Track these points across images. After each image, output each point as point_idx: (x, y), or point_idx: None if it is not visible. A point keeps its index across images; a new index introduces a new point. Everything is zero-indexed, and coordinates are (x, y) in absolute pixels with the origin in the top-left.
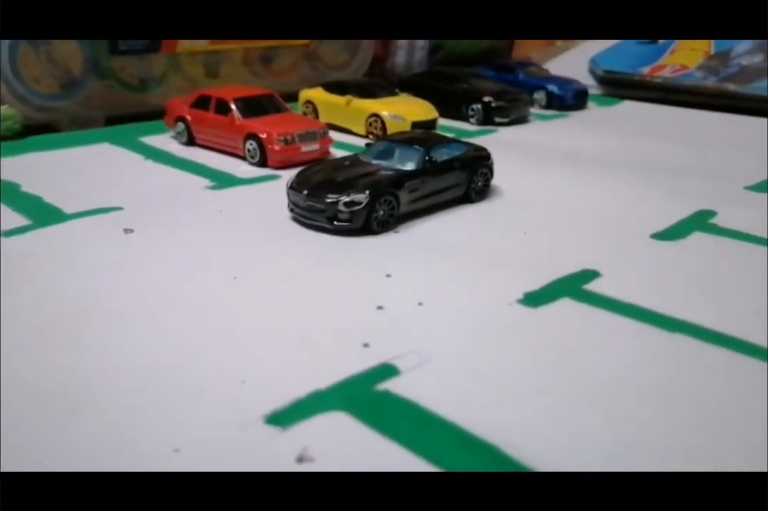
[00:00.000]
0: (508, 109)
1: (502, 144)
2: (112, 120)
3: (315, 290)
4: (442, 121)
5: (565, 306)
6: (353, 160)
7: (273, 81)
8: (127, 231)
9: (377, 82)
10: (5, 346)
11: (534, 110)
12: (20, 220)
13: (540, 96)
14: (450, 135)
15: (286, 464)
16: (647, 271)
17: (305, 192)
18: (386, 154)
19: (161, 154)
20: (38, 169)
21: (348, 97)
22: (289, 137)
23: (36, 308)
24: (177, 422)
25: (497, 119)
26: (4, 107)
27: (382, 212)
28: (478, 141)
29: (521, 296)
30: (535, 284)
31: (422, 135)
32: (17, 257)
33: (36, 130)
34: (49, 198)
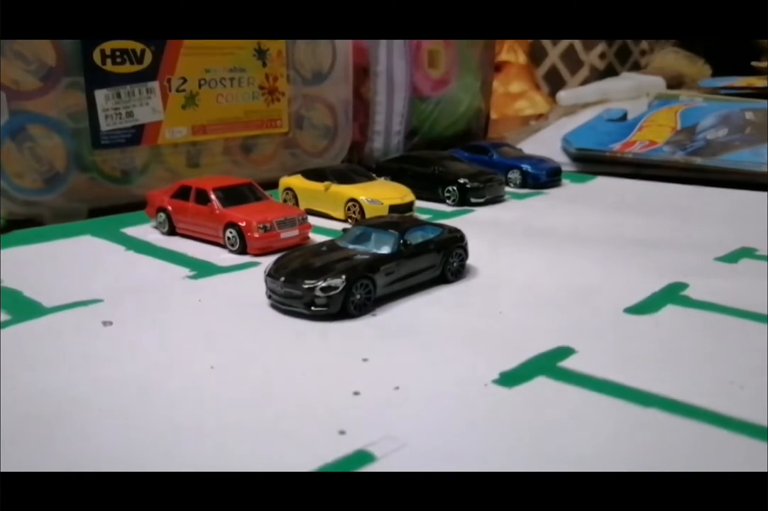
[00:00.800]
0: (483, 190)
1: (478, 223)
2: (95, 212)
3: (292, 376)
4: (420, 203)
5: (541, 384)
6: (330, 246)
7: (253, 169)
8: (106, 323)
9: (354, 168)
10: None
11: (509, 189)
12: (1, 316)
13: (515, 175)
14: (427, 216)
15: None
16: (621, 345)
17: (282, 279)
18: (362, 239)
19: (142, 245)
20: (19, 263)
21: (326, 183)
22: (267, 225)
23: (13, 404)
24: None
25: (473, 199)
26: None
27: (359, 296)
28: (455, 221)
29: (497, 376)
30: (511, 363)
31: (397, 219)
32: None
33: (19, 224)
34: (29, 292)
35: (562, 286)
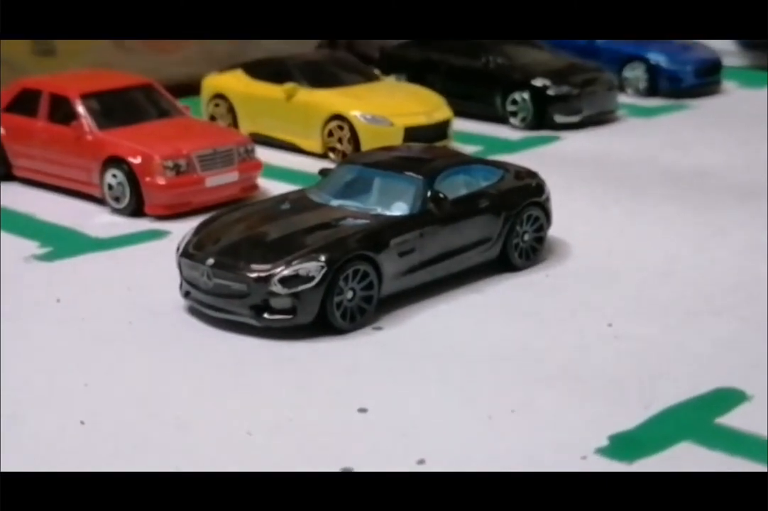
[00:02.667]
0: (579, 100)
1: (569, 163)
2: None
3: (229, 442)
4: (462, 124)
5: (687, 456)
6: (298, 202)
7: (154, 60)
8: None
9: (342, 60)
10: None
11: (625, 99)
12: None
13: (636, 73)
14: (475, 150)
15: None
16: None
17: (210, 262)
18: (358, 190)
19: None
20: None
21: (290, 85)
22: (182, 162)
23: None
24: None
25: (559, 118)
26: None
27: (351, 294)
28: (526, 159)
29: (605, 442)
30: (632, 417)
31: (422, 154)
32: None
33: None
34: None
35: (720, 280)
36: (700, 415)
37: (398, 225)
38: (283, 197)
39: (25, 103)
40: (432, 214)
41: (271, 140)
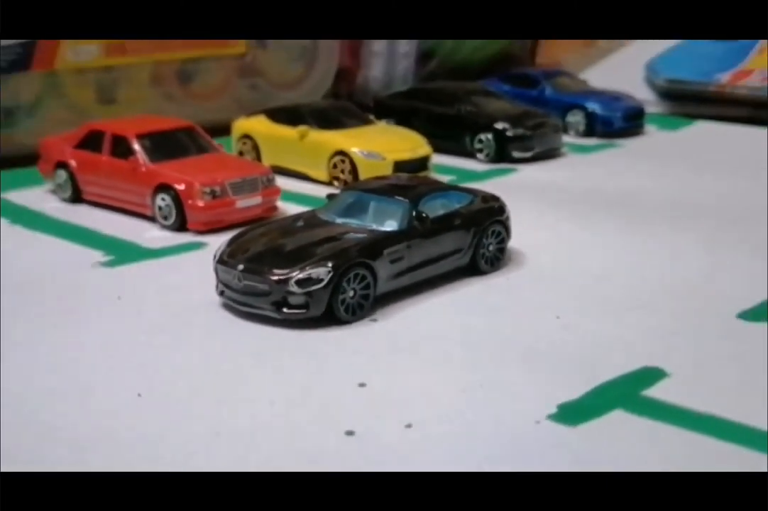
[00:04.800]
0: (531, 140)
1: (524, 189)
2: None
3: (254, 410)
4: (439, 159)
5: (618, 421)
6: (309, 220)
7: (196, 107)
8: None
9: (344, 107)
10: None
11: (568, 139)
12: None
13: (576, 118)
14: (450, 178)
15: None
16: (732, 367)
17: (240, 267)
18: (357, 210)
19: (34, 217)
20: None
21: (302, 128)
22: (217, 188)
23: None
24: None
25: (516, 154)
26: None
27: (352, 293)
28: (489, 186)
29: (554, 410)
30: (574, 390)
31: (408, 181)
32: None
33: None
34: None
35: (645, 280)
36: (629, 388)
37: (390, 238)
38: (297, 216)
39: (91, 141)
40: (416, 229)
41: (288, 171)
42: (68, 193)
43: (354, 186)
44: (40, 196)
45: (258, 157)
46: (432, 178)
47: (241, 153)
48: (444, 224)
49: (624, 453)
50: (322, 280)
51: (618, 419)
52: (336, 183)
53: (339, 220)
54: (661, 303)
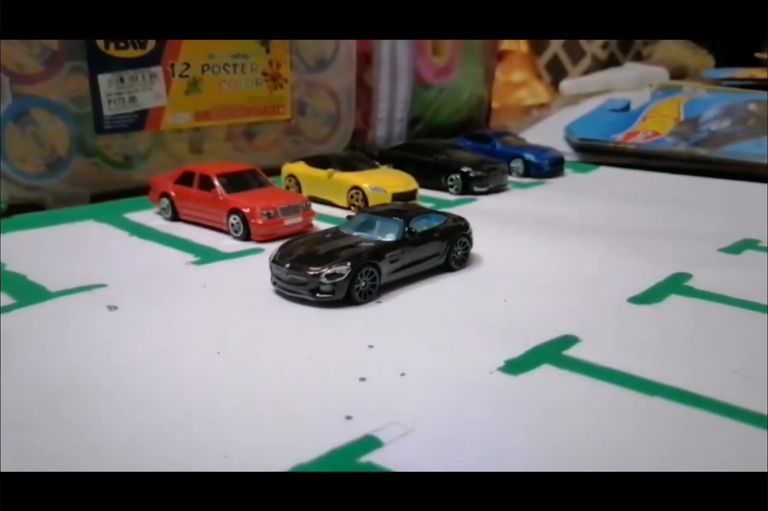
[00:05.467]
0: (487, 179)
1: (482, 213)
2: (97, 197)
3: (297, 362)
4: (423, 192)
5: (546, 373)
6: (334, 233)
7: (256, 156)
8: (111, 308)
9: (358, 156)
10: None
11: (512, 178)
12: (5, 300)
13: (517, 164)
14: (430, 205)
15: None
16: (625, 335)
17: (287, 265)
18: (367, 226)
19: (145, 231)
20: (23, 248)
21: (329, 170)
22: (271, 211)
23: (19, 387)
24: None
25: (476, 189)
26: None
27: (363, 283)
28: (457, 210)
29: (502, 364)
30: (516, 351)
31: (401, 207)
32: (4, 333)
33: (21, 208)
34: (33, 276)
35: (565, 275)
36: (554, 350)
37: (389, 246)
38: (327, 231)
39: (185, 178)
40: (408, 240)
41: (320, 200)
42: (169, 215)
43: (365, 210)
44: (149, 217)
45: (299, 190)
46: (418, 205)
47: (287, 187)
48: (427, 236)
49: (553, 396)
50: (343, 274)
51: (547, 370)
52: (353, 208)
53: (355, 234)
54: (575, 290)
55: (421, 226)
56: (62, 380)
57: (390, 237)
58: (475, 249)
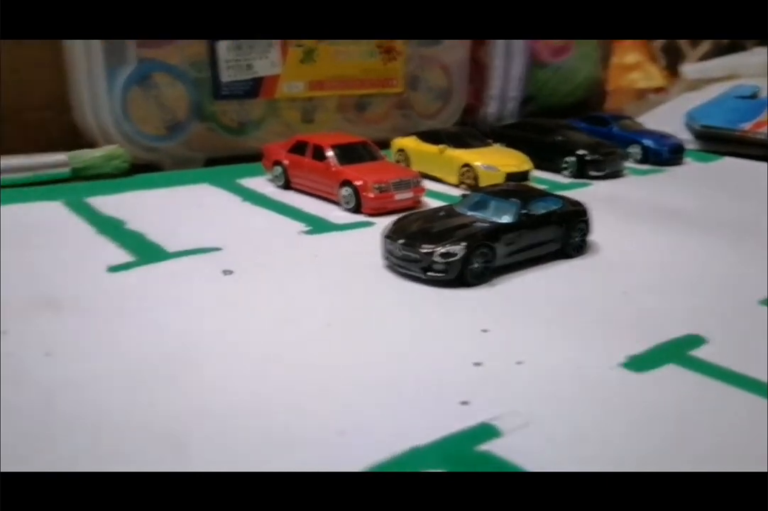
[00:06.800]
0: (603, 163)
1: (597, 198)
2: (211, 162)
3: (409, 341)
4: (535, 173)
5: (672, 373)
6: (448, 211)
7: (366, 128)
8: (227, 272)
9: (470, 132)
10: (105, 381)
11: (628, 164)
12: (125, 257)
13: (635, 150)
14: (543, 187)
15: None
16: (757, 339)
17: (401, 241)
18: (482, 206)
19: (258, 197)
20: (142, 207)
21: (441, 146)
22: (383, 185)
23: (137, 345)
24: (273, 468)
25: (592, 173)
26: (114, 146)
27: (477, 264)
28: (571, 194)
29: (624, 360)
30: (638, 347)
31: (518, 188)
32: (121, 293)
33: (141, 169)
34: (152, 236)
35: (690, 270)
36: (679, 349)
37: (505, 228)
38: (440, 208)
39: (299, 148)
40: (524, 222)
41: (430, 176)
42: (282, 182)
43: (480, 189)
44: (261, 183)
45: (408, 165)
46: (534, 187)
47: (397, 162)
48: (544, 220)
49: (679, 398)
50: (457, 254)
51: (673, 371)
52: (463, 186)
53: (469, 213)
54: (699, 287)
55: (538, 208)
56: (177, 340)
57: (506, 218)
58: (592, 236)
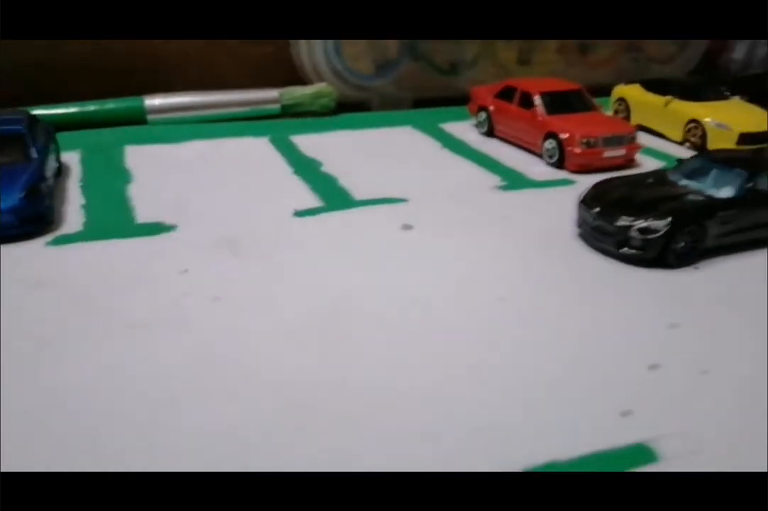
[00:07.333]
0: None
1: None
2: (420, 103)
3: (580, 332)
4: None
5: None
6: (658, 178)
7: (587, 72)
8: (407, 227)
9: (706, 83)
10: (254, 336)
11: None
12: (314, 202)
13: None
14: None
15: None
16: None
17: (596, 210)
18: (700, 175)
19: (458, 144)
20: (341, 148)
21: (668, 97)
22: (592, 140)
23: (298, 301)
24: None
25: None
26: (323, 84)
27: (683, 244)
28: None
29: None
30: None
31: (750, 155)
32: (302, 239)
33: (348, 108)
34: (343, 180)
35: None
36: None
37: (724, 204)
38: (650, 174)
39: (506, 93)
40: (748, 199)
41: (651, 130)
42: (485, 129)
43: (703, 154)
44: (465, 129)
45: (628, 117)
46: None
47: (616, 112)
48: None
49: None
50: (659, 231)
51: None
52: (687, 144)
53: (683, 182)
54: None
55: None
56: (339, 293)
57: (726, 192)
58: None
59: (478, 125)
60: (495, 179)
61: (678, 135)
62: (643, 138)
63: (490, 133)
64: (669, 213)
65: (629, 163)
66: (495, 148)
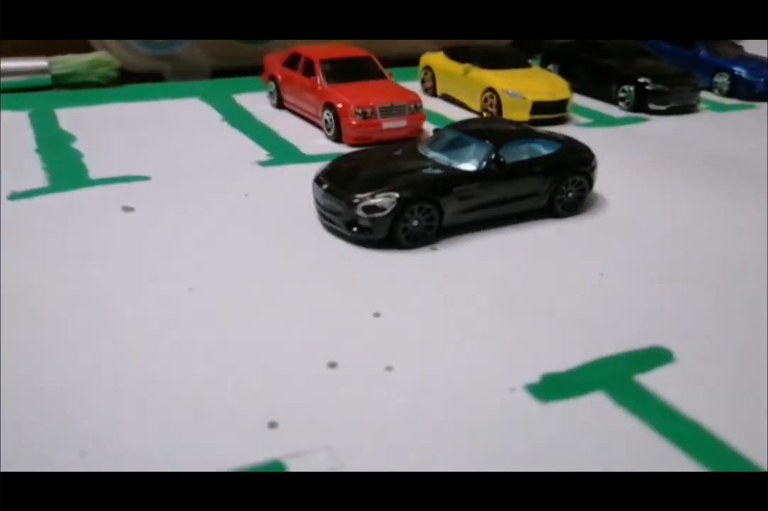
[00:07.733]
0: (667, 95)
1: (646, 139)
2: (221, 73)
3: (284, 321)
4: (584, 102)
5: (593, 407)
6: (407, 151)
7: (407, 41)
8: (126, 209)
9: (508, 51)
10: None
11: (711, 97)
12: (39, 182)
13: (722, 80)
14: (587, 120)
15: None
16: (743, 360)
17: (325, 187)
18: (449, 147)
19: (242, 117)
20: (105, 122)
21: (466, 65)
22: (368, 110)
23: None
24: None
25: (652, 106)
26: (102, 53)
27: (416, 223)
28: (621, 131)
29: (536, 380)
30: (567, 361)
31: (504, 126)
32: (10, 225)
33: (138, 78)
34: (88, 158)
35: (710, 249)
36: (624, 368)
37: (464, 177)
38: (400, 146)
39: (293, 61)
40: (491, 171)
41: (453, 100)
42: (275, 100)
43: (459, 125)
44: (258, 100)
45: (434, 86)
46: (529, 127)
47: (423, 81)
48: (522, 169)
49: (581, 447)
50: (385, 209)
51: (595, 404)
52: (485, 114)
53: (431, 154)
54: (712, 276)
55: (518, 154)
56: (64, 287)
57: (469, 166)
58: (606, 191)
59: (269, 96)
60: (262, 154)
61: (477, 105)
62: (446, 108)
63: (280, 104)
64: (398, 189)
65: (415, 134)
66: (281, 121)
